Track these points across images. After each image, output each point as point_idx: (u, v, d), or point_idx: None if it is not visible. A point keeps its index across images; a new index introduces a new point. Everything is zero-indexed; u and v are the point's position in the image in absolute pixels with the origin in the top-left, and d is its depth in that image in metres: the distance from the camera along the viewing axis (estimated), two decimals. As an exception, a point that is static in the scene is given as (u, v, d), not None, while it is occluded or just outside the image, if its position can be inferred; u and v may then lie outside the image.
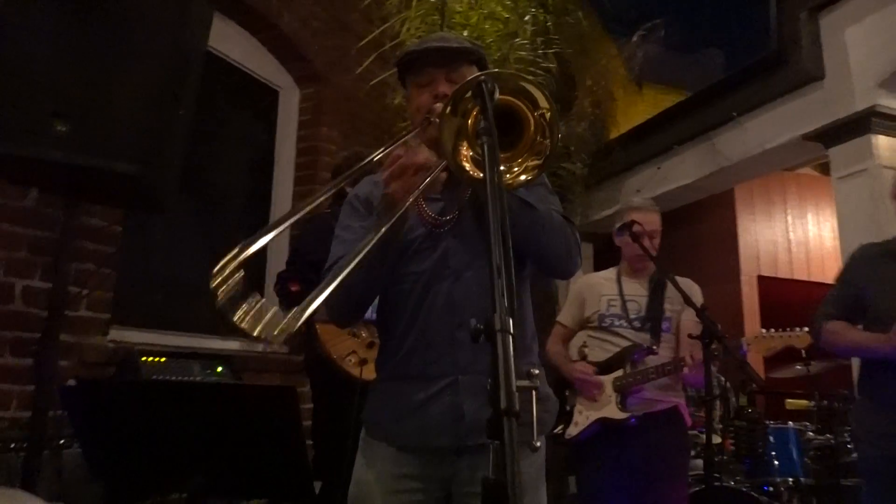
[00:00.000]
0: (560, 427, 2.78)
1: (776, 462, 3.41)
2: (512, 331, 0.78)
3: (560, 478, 4.40)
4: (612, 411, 2.62)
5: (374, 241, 1.10)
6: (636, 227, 2.65)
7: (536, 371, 0.80)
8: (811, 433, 3.60)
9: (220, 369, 2.91)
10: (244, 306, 0.95)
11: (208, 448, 1.47)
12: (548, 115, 1.16)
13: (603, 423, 2.64)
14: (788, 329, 2.50)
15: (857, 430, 2.47)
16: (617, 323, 2.72)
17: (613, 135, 5.64)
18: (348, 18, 4.32)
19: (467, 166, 1.17)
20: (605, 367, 2.70)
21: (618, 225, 2.74)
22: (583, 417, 2.71)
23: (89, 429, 1.56)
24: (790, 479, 3.35)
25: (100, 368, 2.81)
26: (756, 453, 3.41)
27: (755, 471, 3.42)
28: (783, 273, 5.99)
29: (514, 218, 1.36)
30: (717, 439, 3.49)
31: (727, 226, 5.85)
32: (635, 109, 6.02)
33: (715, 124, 4.64)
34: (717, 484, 3.09)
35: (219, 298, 0.92)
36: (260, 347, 3.69)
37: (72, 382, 1.56)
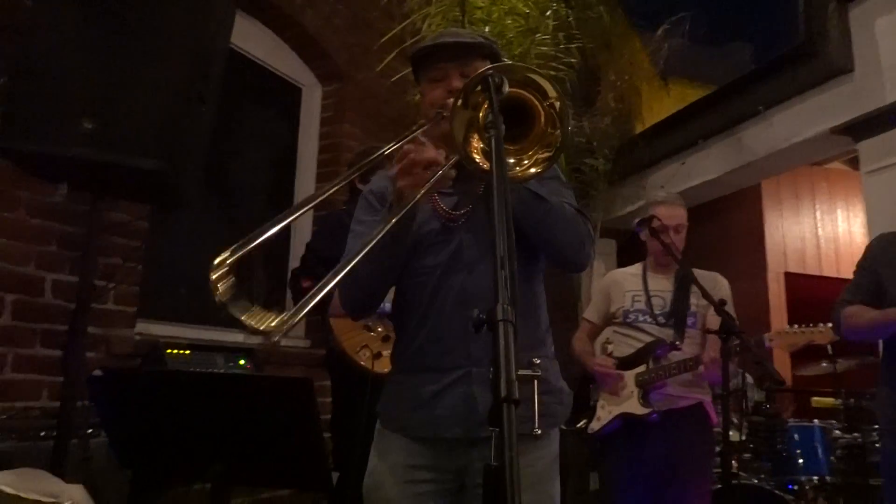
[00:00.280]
0: (583, 422, 2.78)
1: (801, 460, 3.35)
2: (514, 320, 0.79)
3: (582, 473, 4.39)
4: (634, 406, 2.61)
5: (380, 234, 1.12)
6: (655, 223, 2.63)
7: (539, 361, 0.81)
8: (838, 431, 3.52)
9: (242, 362, 2.96)
10: (246, 300, 0.96)
11: (228, 437, 1.50)
12: (557, 105, 1.16)
13: (624, 418, 2.63)
14: (811, 324, 2.45)
15: (883, 425, 2.41)
16: (641, 318, 2.70)
17: (639, 130, 5.58)
18: (370, 16, 4.34)
19: (478, 158, 1.18)
20: (628, 363, 2.68)
21: (637, 219, 2.73)
22: (605, 412, 2.71)
23: (114, 417, 1.61)
24: (815, 478, 3.29)
25: (126, 360, 2.87)
26: (774, 450, 3.34)
27: (779, 469, 3.35)
28: (811, 269, 5.86)
29: (525, 210, 1.37)
30: (740, 436, 3.44)
31: (753, 222, 5.74)
32: (661, 104, 5.93)
33: (741, 118, 4.54)
34: (736, 482, 3.06)
35: (219, 291, 0.94)
36: (282, 342, 3.73)
37: (98, 373, 1.60)
